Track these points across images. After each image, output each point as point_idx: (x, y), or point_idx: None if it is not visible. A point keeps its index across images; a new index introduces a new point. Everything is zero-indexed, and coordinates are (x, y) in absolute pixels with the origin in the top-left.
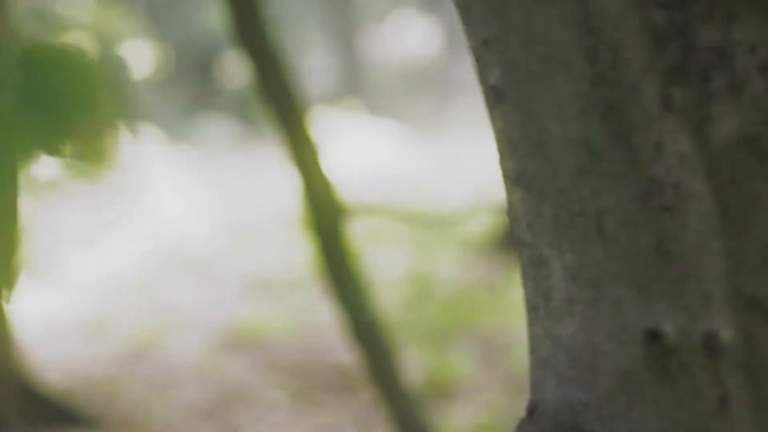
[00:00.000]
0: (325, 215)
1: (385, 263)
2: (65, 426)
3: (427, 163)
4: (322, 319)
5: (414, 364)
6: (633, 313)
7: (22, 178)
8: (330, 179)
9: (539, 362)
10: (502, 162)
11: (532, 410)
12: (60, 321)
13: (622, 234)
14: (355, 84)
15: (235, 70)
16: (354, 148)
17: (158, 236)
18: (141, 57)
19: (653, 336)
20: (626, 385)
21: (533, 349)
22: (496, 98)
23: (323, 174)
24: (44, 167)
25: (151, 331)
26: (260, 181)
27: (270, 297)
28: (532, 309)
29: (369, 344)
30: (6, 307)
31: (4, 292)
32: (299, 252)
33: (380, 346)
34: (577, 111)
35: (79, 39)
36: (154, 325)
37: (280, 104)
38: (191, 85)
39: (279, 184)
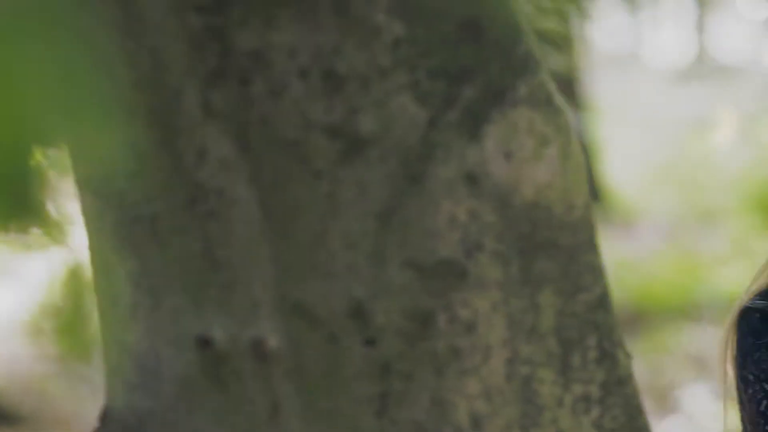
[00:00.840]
0: None
1: None
2: None
3: None
4: None
5: None
6: (187, 319)
7: None
8: None
9: (110, 369)
10: (73, 168)
11: (104, 418)
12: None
13: (174, 240)
14: None
15: None
16: None
17: None
18: None
19: (205, 342)
20: (186, 392)
21: (106, 357)
22: None
23: None
24: None
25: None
26: None
27: None
28: (102, 316)
29: None
30: None
31: None
32: None
33: None
34: (124, 116)
35: None
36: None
37: None
38: None
39: None
